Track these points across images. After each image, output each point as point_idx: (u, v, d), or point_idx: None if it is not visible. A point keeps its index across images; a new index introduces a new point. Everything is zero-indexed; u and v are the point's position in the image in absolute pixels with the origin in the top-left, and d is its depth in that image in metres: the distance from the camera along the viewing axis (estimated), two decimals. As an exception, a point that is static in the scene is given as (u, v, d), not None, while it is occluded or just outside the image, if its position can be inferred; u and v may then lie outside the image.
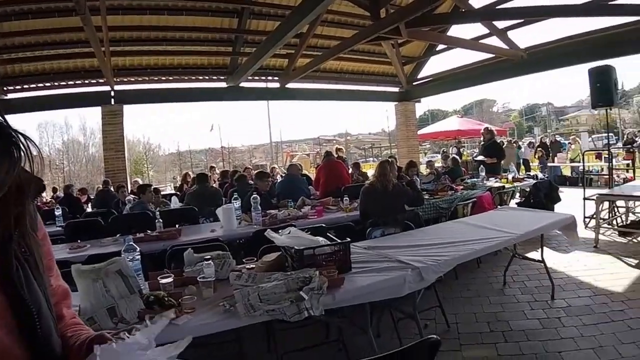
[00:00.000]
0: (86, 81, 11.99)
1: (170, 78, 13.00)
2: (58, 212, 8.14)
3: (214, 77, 13.38)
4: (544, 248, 5.99)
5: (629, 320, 4.67)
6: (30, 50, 10.70)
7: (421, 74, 16.80)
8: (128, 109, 12.62)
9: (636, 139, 19.33)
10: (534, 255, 5.94)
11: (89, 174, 44.14)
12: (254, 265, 3.71)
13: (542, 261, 5.63)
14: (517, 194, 10.11)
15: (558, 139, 25.60)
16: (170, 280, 3.23)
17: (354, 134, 73.20)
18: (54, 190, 18.04)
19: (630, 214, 9.47)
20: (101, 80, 11.84)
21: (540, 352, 4.15)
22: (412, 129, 17.64)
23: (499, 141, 13.76)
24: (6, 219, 1.08)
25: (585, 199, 9.21)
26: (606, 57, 10.62)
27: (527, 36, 12.57)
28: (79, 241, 5.95)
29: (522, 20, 12.21)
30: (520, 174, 12.96)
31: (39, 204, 8.93)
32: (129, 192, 10.79)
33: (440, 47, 15.09)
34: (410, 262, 3.75)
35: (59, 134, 48.37)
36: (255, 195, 6.42)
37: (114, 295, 2.77)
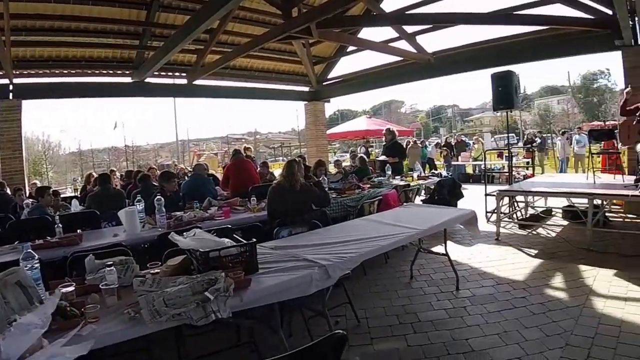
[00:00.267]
0: (-19, 73, 11.04)
1: (73, 71, 12.12)
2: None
3: (119, 72, 12.65)
4: (449, 242, 6.22)
5: (531, 306, 4.98)
6: None
7: (331, 74, 16.92)
8: (27, 104, 11.63)
9: (535, 139, 20.33)
10: (439, 249, 6.17)
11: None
12: (158, 270, 3.59)
13: (446, 254, 5.83)
14: (423, 192, 10.37)
15: (463, 139, 26.48)
16: (71, 289, 3.04)
17: (264, 133, 72.59)
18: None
19: (530, 208, 10.02)
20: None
21: (448, 340, 4.31)
22: (321, 128, 17.66)
23: (405, 141, 14.07)
24: None
25: (486, 195, 9.66)
26: (507, 63, 11.18)
27: (435, 41, 12.98)
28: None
29: (430, 26, 12.65)
30: (426, 172, 13.31)
31: None
32: (27, 195, 9.92)
33: (351, 48, 15.19)
34: (316, 260, 3.77)
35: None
36: (159, 197, 6.10)
37: (14, 308, 2.60)
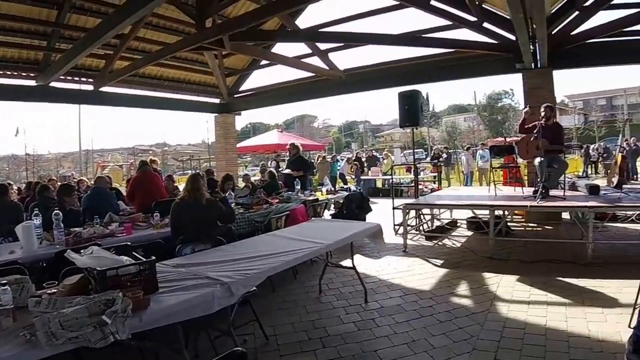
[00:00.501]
0: None
1: (-27, 72, 11.31)
2: None
3: (24, 74, 11.71)
4: (358, 255, 6.35)
5: (438, 314, 5.13)
6: None
7: (243, 87, 16.80)
8: None
9: (442, 155, 21.04)
10: (348, 262, 6.14)
11: None
12: (55, 290, 3.35)
13: (354, 267, 5.88)
14: (332, 206, 10.52)
15: (374, 154, 26.96)
16: (-36, 311, 2.83)
17: (173, 145, 71.49)
18: None
19: (436, 220, 10.36)
20: None
21: (358, 352, 4.34)
22: (231, 141, 17.36)
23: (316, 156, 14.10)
24: None
25: (394, 208, 9.83)
26: (415, 83, 11.68)
27: (347, 58, 13.24)
28: None
29: (342, 44, 12.88)
30: (337, 187, 13.49)
31: None
32: None
33: (265, 61, 15.10)
34: (218, 277, 3.68)
35: None
36: (57, 212, 5.66)
37: None
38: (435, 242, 9.02)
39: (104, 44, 9.43)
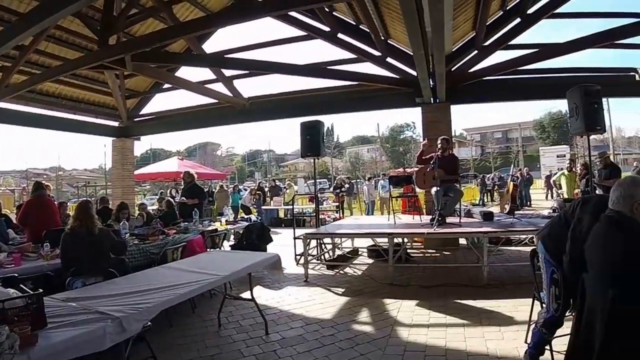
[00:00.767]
0: None
1: None
2: None
3: None
4: (259, 286, 6.28)
5: (340, 342, 5.12)
6: None
7: (144, 110, 16.15)
8: None
9: (345, 185, 21.29)
10: (248, 294, 5.97)
11: None
12: None
13: (253, 299, 5.75)
14: (232, 236, 10.39)
15: (277, 184, 26.98)
16: None
17: (68, 169, 68.86)
18: None
19: (337, 249, 10.40)
20: None
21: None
22: (128, 167, 16.31)
23: (220, 184, 13.88)
24: None
25: (295, 238, 9.76)
26: (319, 113, 11.79)
27: (252, 87, 13.22)
28: None
29: (248, 72, 12.90)
30: (239, 217, 13.38)
31: None
32: None
33: (168, 85, 14.57)
34: (110, 312, 3.51)
35: None
36: None
37: None
38: (337, 270, 9.04)
39: (1, 55, 8.82)
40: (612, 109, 63.81)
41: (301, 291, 7.58)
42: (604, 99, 8.92)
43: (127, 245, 6.43)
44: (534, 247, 4.36)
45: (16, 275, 4.73)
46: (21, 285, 3.61)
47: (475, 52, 10.91)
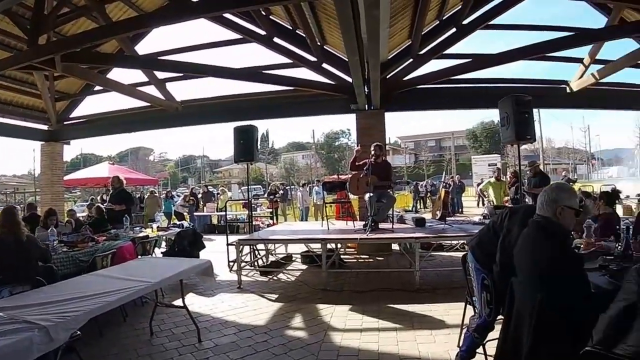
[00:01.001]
0: None
1: None
2: None
3: None
4: (191, 293, 6.16)
5: (273, 348, 5.09)
6: None
7: (74, 114, 15.44)
8: None
9: (279, 191, 21.26)
10: (180, 302, 5.83)
11: None
12: None
13: (185, 307, 5.64)
14: (164, 243, 10.20)
15: (209, 190, 26.68)
16: None
17: (-4, 175, 66.49)
18: None
19: (271, 255, 10.27)
20: None
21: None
22: (58, 173, 15.65)
23: (151, 189, 13.56)
24: None
25: (228, 244, 9.68)
26: (254, 118, 11.80)
27: (185, 90, 12.98)
28: None
29: (181, 75, 12.68)
30: (171, 223, 13.16)
31: None
32: None
33: (99, 87, 14.05)
34: (37, 321, 3.35)
35: None
36: None
37: None
38: (270, 277, 8.99)
39: None
40: (543, 120, 66.38)
41: (234, 298, 7.49)
42: (535, 110, 9.21)
43: (48, 256, 6.09)
44: (465, 253, 4.44)
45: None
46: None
47: (411, 60, 11.10)
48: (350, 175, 9.45)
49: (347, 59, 8.78)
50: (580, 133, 69.92)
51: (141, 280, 4.70)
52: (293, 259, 10.45)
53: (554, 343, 2.72)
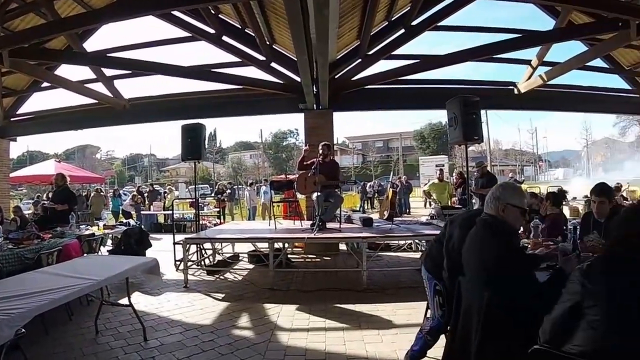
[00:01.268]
0: None
1: None
2: None
3: None
4: (137, 292, 6.06)
5: (219, 347, 5.05)
6: None
7: (21, 110, 14.91)
8: None
9: (226, 190, 21.13)
10: (126, 300, 5.73)
11: None
12: None
13: (131, 305, 5.57)
14: (110, 241, 10.00)
15: (157, 188, 26.34)
16: None
17: (-61, 173, 64.10)
18: None
19: (218, 255, 10.21)
20: None
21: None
22: (4, 170, 15.14)
23: (97, 188, 13.25)
24: None
25: (175, 243, 9.58)
26: (202, 117, 11.57)
27: (133, 87, 12.71)
28: None
29: (129, 72, 12.43)
30: (118, 221, 12.92)
31: None
32: None
33: (47, 84, 13.62)
34: None
35: None
36: None
37: None
38: (217, 276, 8.91)
39: None
40: (491, 121, 67.86)
41: (181, 297, 7.41)
42: (482, 112, 9.39)
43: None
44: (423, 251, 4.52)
45: None
46: None
47: (359, 60, 11.17)
48: (298, 175, 9.44)
49: (296, 59, 8.79)
50: (528, 135, 71.78)
51: (87, 278, 4.61)
52: (240, 258, 10.39)
53: (502, 340, 2.77)
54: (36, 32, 8.70)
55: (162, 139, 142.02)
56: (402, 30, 11.04)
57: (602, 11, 8.79)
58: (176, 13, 10.80)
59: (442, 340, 3.92)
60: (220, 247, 10.44)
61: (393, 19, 11.18)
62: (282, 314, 6.22)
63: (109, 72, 12.26)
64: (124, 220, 14.36)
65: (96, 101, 12.64)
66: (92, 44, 12.27)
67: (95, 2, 11.03)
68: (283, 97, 11.56)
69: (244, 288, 7.86)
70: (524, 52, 11.44)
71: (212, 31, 11.13)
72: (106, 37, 12.90)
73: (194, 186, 13.23)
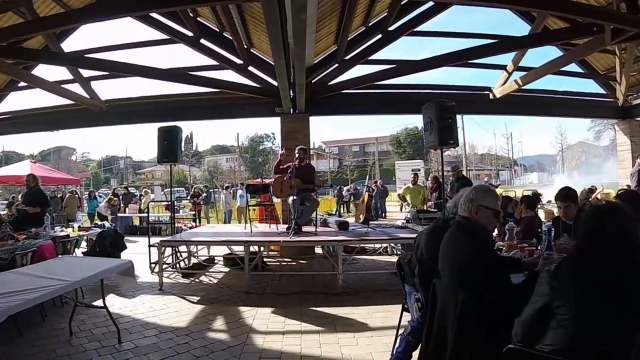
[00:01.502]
0: None
1: None
2: None
3: None
4: (112, 294, 6.02)
5: (194, 350, 5.04)
6: None
7: None
8: None
9: (202, 193, 21.06)
10: (101, 302, 5.67)
11: None
12: None
13: (105, 307, 5.51)
14: (85, 243, 9.92)
15: (131, 191, 26.14)
16: None
17: None
18: None
19: (193, 258, 10.18)
20: None
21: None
22: None
23: (72, 189, 13.14)
24: None
25: (150, 246, 9.50)
26: (178, 119, 11.62)
27: (110, 89, 12.64)
28: None
29: (106, 73, 12.34)
30: (93, 223, 12.82)
31: None
32: None
33: (23, 83, 13.38)
34: None
35: None
36: None
37: None
38: (192, 279, 8.90)
39: None
40: (466, 126, 68.44)
41: (155, 299, 7.36)
42: (458, 117, 9.49)
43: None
44: (398, 256, 4.59)
45: None
46: None
47: (336, 65, 11.23)
48: (274, 179, 9.45)
49: (273, 63, 8.80)
50: (503, 139, 72.49)
51: (61, 279, 4.59)
52: (215, 261, 10.35)
53: (477, 340, 2.82)
54: (14, 31, 8.64)
55: (139, 141, 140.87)
56: (379, 36, 11.15)
57: (578, 16, 8.95)
58: (154, 15, 10.78)
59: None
60: (196, 250, 10.39)
61: (370, 24, 11.27)
62: (258, 317, 6.23)
63: (86, 73, 12.13)
64: (99, 222, 14.24)
65: (73, 102, 12.50)
66: (69, 45, 12.17)
67: (74, 3, 10.93)
68: (260, 101, 11.56)
69: (219, 291, 7.85)
70: (499, 58, 11.61)
71: (190, 34, 11.13)
72: (84, 37, 12.83)
73: (169, 189, 13.17)
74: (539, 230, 5.34)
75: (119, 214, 19.10)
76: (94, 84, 12.48)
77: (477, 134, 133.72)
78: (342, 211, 26.78)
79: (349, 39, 10.76)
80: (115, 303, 6.87)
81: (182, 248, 9.91)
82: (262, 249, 9.16)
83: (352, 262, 9.35)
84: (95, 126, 14.07)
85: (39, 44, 12.06)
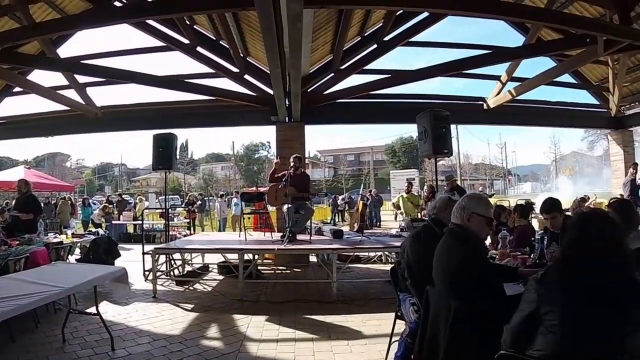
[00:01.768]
0: None
1: None
2: None
3: None
4: (105, 301, 6.00)
5: (188, 357, 5.03)
6: None
7: None
8: None
9: (197, 201, 21.02)
10: (94, 309, 5.65)
11: None
12: None
13: (98, 314, 5.50)
14: (78, 250, 9.90)
15: (125, 198, 26.10)
16: None
17: None
18: None
19: (187, 265, 10.17)
20: None
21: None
22: None
23: (65, 196, 13.10)
24: None
25: (144, 253, 9.43)
26: (174, 126, 11.64)
27: (105, 95, 12.64)
28: None
29: (102, 80, 12.32)
30: (87, 230, 12.78)
31: None
32: None
33: (18, 89, 13.44)
34: None
35: None
36: None
37: None
38: (186, 287, 8.88)
39: None
40: (461, 136, 68.62)
41: (149, 307, 7.35)
42: (453, 127, 9.54)
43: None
44: (392, 264, 4.62)
45: None
46: None
47: (332, 74, 11.27)
48: (269, 187, 9.47)
49: (269, 71, 8.84)
50: (497, 149, 72.65)
51: (54, 285, 4.57)
52: (210, 269, 10.32)
53: (469, 347, 2.83)
54: (10, 36, 8.62)
55: (134, 148, 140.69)
56: (375, 46, 11.22)
57: (571, 28, 9.02)
58: (151, 22, 10.80)
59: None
60: (190, 258, 10.36)
61: (366, 34, 11.34)
62: (252, 324, 6.23)
63: (81, 79, 12.13)
64: (93, 230, 14.20)
65: (68, 108, 12.49)
66: (65, 50, 12.17)
67: (70, 8, 10.96)
68: (255, 109, 11.59)
69: (213, 299, 7.84)
70: (493, 68, 11.74)
71: (186, 41, 11.17)
72: (80, 44, 12.85)
73: (164, 196, 13.14)
74: (532, 239, 5.39)
75: (113, 222, 19.05)
76: (90, 90, 12.48)
77: (472, 143, 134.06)
78: (336, 220, 26.77)
79: (344, 48, 10.83)
80: (108, 310, 6.84)
81: (177, 256, 9.87)
82: (256, 257, 9.14)
83: (346, 271, 9.32)
84: (91, 132, 14.01)
85: (35, 49, 12.05)
